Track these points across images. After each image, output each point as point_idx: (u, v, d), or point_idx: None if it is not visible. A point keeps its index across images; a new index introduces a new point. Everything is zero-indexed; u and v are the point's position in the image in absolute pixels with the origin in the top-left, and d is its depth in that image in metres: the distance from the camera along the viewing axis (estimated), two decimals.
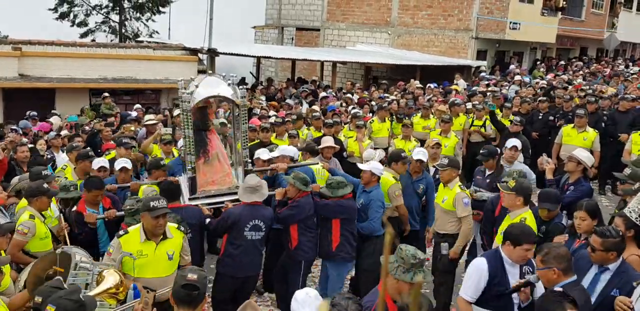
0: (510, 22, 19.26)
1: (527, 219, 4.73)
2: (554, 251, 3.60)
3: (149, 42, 17.78)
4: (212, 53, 14.31)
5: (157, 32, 24.43)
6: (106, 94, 12.08)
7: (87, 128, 9.05)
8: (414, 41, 21.17)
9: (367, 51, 20.43)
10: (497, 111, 9.58)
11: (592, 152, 8.58)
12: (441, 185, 5.94)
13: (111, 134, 8.37)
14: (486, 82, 15.23)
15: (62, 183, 5.68)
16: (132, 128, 8.88)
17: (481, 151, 6.70)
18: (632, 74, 18.32)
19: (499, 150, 7.05)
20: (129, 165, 6.04)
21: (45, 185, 5.01)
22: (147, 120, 8.89)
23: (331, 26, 23.20)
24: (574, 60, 23.38)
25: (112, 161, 6.89)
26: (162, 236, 4.38)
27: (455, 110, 9.99)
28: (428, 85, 14.71)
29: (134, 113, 10.72)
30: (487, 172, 6.64)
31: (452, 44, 20.44)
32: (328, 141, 7.40)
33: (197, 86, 5.38)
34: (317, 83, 16.81)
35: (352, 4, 22.48)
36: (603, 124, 9.78)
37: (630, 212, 4.07)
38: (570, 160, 5.98)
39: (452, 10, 20.25)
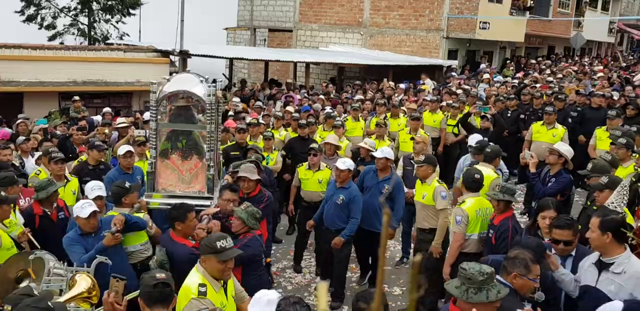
0: (480, 22, 19.55)
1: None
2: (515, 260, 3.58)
3: (119, 44, 17.57)
4: (184, 55, 14.22)
5: (127, 34, 24.12)
6: (76, 97, 11.91)
7: (58, 132, 8.91)
8: (386, 41, 21.34)
9: (340, 52, 20.52)
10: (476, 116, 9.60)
11: None
12: (418, 181, 6.01)
13: (82, 138, 8.29)
14: (457, 81, 15.42)
15: (36, 183, 5.49)
16: (106, 131, 8.79)
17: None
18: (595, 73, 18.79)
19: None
20: (104, 192, 5.25)
21: (2, 193, 4.76)
22: (118, 123, 8.81)
23: (303, 27, 23.24)
24: (541, 58, 23.84)
25: (84, 164, 6.86)
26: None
27: (432, 106, 10.15)
28: (398, 84, 14.86)
29: (98, 117, 10.60)
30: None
31: (423, 43, 20.66)
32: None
33: (168, 80, 5.34)
34: (292, 84, 16.82)
35: (324, 5, 22.56)
36: (570, 120, 10.02)
37: (615, 208, 4.18)
38: (551, 153, 6.18)
39: (423, 11, 20.47)
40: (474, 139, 6.98)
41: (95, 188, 5.18)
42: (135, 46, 15.89)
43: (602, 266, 3.67)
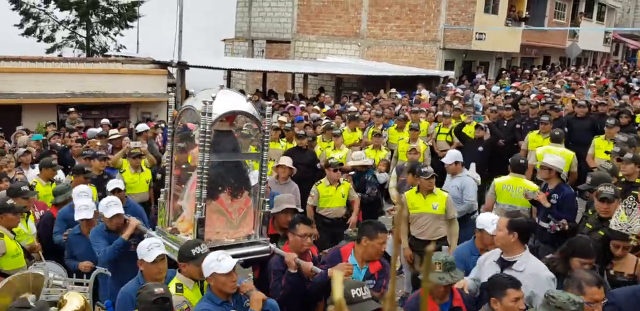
0: (476, 33, 19.73)
1: None
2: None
3: (117, 56, 17.67)
4: (182, 66, 14.30)
5: (124, 46, 24.25)
6: (71, 109, 11.95)
7: (58, 144, 8.96)
8: (383, 52, 21.49)
9: (338, 62, 20.65)
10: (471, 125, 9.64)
11: None
12: (420, 195, 5.91)
13: (81, 150, 8.31)
14: (452, 92, 15.52)
15: (55, 188, 5.78)
16: (98, 143, 8.78)
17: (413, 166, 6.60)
18: (594, 80, 18.92)
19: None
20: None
21: (10, 201, 4.91)
22: (111, 135, 8.83)
23: (301, 38, 23.40)
24: (537, 68, 24.01)
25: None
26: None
27: (415, 117, 10.26)
28: (395, 95, 14.96)
29: (98, 129, 10.65)
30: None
31: (420, 54, 20.82)
32: (283, 160, 6.81)
33: (213, 98, 3.95)
34: (293, 95, 16.89)
35: (321, 17, 22.74)
36: (566, 129, 10.08)
37: (628, 230, 4.22)
38: (542, 169, 6.01)
39: (419, 22, 20.65)
40: (451, 156, 6.77)
41: (111, 204, 4.71)
42: (133, 58, 15.99)
43: (503, 264, 3.86)
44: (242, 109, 4.30)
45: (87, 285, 4.17)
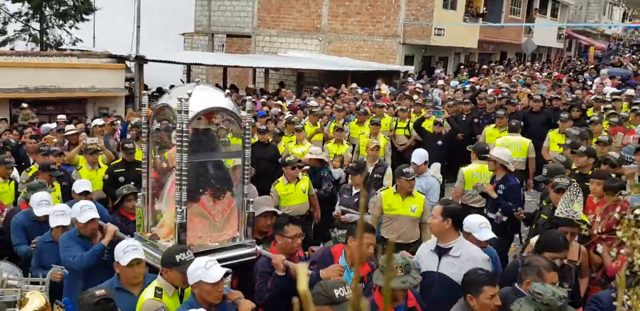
0: (435, 28, 20.01)
1: None
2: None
3: (73, 50, 17.21)
4: (140, 60, 14.05)
5: (80, 40, 23.59)
6: (24, 105, 11.58)
7: (12, 140, 8.70)
8: (344, 47, 21.57)
9: (299, 57, 20.63)
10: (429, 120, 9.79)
11: None
12: (398, 196, 5.62)
13: (35, 146, 8.08)
14: (412, 87, 15.73)
15: (28, 184, 5.58)
16: (55, 140, 8.56)
17: (350, 165, 6.40)
18: (549, 75, 19.47)
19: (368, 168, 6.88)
20: (67, 221, 4.64)
21: None
22: (67, 131, 8.61)
23: (262, 33, 23.26)
24: (494, 64, 24.53)
25: (34, 176, 6.67)
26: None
27: (379, 112, 10.35)
28: (356, 90, 15.06)
29: (52, 125, 10.37)
30: (354, 190, 6.28)
31: (381, 49, 20.99)
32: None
33: (189, 95, 3.79)
34: (254, 90, 16.80)
35: (282, 11, 22.65)
36: (522, 123, 10.36)
37: (574, 215, 4.36)
38: (489, 160, 6.19)
39: (380, 17, 20.81)
40: (415, 155, 6.58)
41: (86, 208, 4.46)
42: (90, 52, 15.59)
43: (440, 251, 4.00)
44: (221, 105, 4.07)
45: (43, 284, 4.10)
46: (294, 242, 3.98)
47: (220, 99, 4.10)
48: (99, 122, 9.47)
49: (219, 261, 3.52)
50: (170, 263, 3.49)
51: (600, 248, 2.66)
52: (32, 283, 4.07)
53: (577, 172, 6.40)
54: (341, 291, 3.02)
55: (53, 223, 4.57)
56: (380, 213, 5.72)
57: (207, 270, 3.26)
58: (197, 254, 3.66)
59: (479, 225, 4.23)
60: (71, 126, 9.19)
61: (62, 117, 10.84)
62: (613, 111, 10.35)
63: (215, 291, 3.27)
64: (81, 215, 4.38)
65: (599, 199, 5.37)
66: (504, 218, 5.83)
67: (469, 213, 4.54)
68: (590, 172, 6.19)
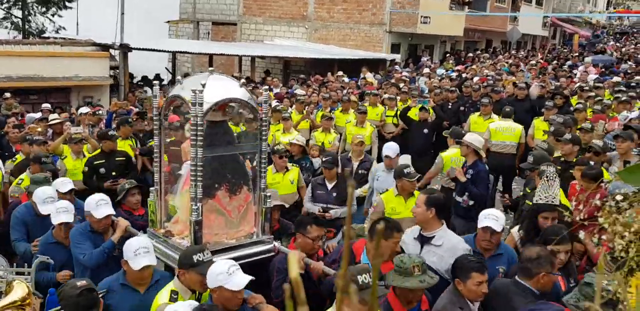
0: (421, 16, 20.00)
1: None
2: None
3: (56, 38, 16.97)
4: (125, 48, 13.91)
5: (63, 28, 23.24)
6: (7, 94, 11.42)
7: None
8: (330, 35, 21.49)
9: (285, 45, 20.53)
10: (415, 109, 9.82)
11: None
12: (401, 198, 5.35)
13: (18, 136, 8.01)
14: (399, 75, 15.75)
15: (33, 177, 5.44)
16: (39, 129, 8.48)
17: (324, 159, 6.16)
18: (535, 64, 19.58)
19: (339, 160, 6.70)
20: (70, 218, 4.44)
21: None
22: (51, 120, 8.52)
23: (248, 20, 23.08)
24: (479, 52, 24.61)
25: (20, 165, 6.61)
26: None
27: (373, 100, 10.35)
28: (342, 78, 15.05)
29: (37, 115, 10.26)
30: (329, 184, 5.99)
31: (367, 37, 20.94)
32: None
33: (203, 85, 3.57)
34: (240, 78, 16.70)
35: None
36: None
37: (553, 200, 4.42)
38: (462, 145, 6.27)
39: (366, 5, 20.73)
40: (389, 148, 6.42)
41: (102, 203, 4.25)
42: (73, 40, 15.39)
43: (423, 240, 4.06)
44: (236, 96, 3.85)
45: (28, 274, 4.09)
46: (315, 243, 3.87)
47: (235, 89, 3.89)
48: (84, 110, 9.38)
49: (237, 259, 3.44)
50: (187, 264, 3.31)
51: (582, 235, 2.72)
52: (17, 273, 4.07)
53: (562, 159, 6.49)
54: (365, 277, 3.03)
55: (56, 220, 4.34)
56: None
57: (229, 276, 3.07)
58: (213, 252, 3.55)
59: (485, 216, 4.16)
60: (55, 115, 9.11)
61: (46, 106, 10.74)
62: (600, 98, 10.48)
63: (236, 298, 3.11)
64: (97, 210, 4.20)
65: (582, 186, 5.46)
66: (471, 202, 5.92)
67: (449, 200, 4.56)
68: (574, 160, 6.28)
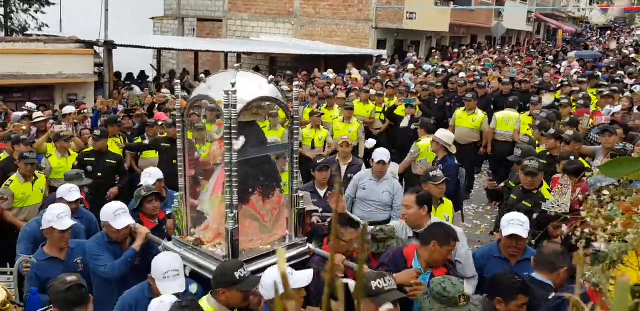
0: (407, 12, 20.04)
1: None
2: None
3: (39, 35, 16.76)
4: (109, 45, 13.78)
5: (46, 25, 22.98)
6: None
7: None
8: (317, 31, 21.46)
9: (272, 42, 20.47)
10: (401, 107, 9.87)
11: (481, 133, 9.34)
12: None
13: (1, 135, 7.92)
14: (384, 71, 15.78)
15: (66, 174, 5.43)
16: (24, 127, 8.39)
17: (319, 161, 5.76)
18: (520, 59, 19.74)
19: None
20: (78, 194, 4.60)
21: None
22: (35, 118, 8.45)
23: (234, 17, 22.96)
24: (465, 47, 24.72)
25: (9, 160, 6.54)
26: None
27: (363, 97, 10.38)
28: (327, 75, 15.06)
29: (23, 113, 10.15)
30: (321, 191, 5.54)
31: (353, 33, 20.94)
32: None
33: (233, 85, 3.30)
34: None
35: None
36: (492, 107, 10.56)
37: (551, 208, 4.39)
38: (433, 141, 6.36)
39: (352, 1, 20.72)
40: (382, 153, 5.89)
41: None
42: (57, 37, 15.21)
43: (419, 236, 3.96)
44: (267, 94, 3.62)
45: (11, 274, 4.05)
46: (349, 246, 3.68)
47: (265, 87, 3.65)
48: (69, 109, 9.30)
49: (273, 265, 3.34)
50: (228, 282, 3.08)
51: (564, 228, 2.77)
52: (0, 273, 4.03)
53: (547, 153, 6.58)
54: (379, 282, 2.89)
55: (61, 226, 4.00)
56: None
57: (115, 218, 3.76)
58: (248, 261, 3.44)
59: (509, 221, 3.95)
60: (39, 113, 9.03)
61: (31, 105, 10.62)
62: (583, 93, 10.62)
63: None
64: (116, 220, 3.97)
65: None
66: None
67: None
68: (557, 154, 6.38)
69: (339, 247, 3.64)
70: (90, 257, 4.00)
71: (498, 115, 9.28)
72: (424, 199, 4.09)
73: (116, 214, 3.98)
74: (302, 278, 3.00)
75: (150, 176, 5.16)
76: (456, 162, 6.31)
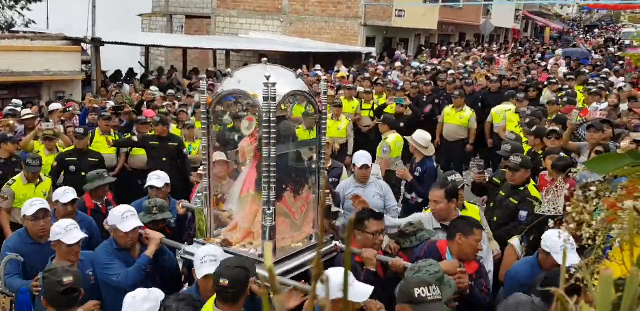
0: (396, 10, 20.08)
1: None
2: None
3: (26, 32, 16.60)
4: (97, 43, 13.69)
5: (33, 21, 22.75)
6: None
7: None
8: (305, 29, 21.43)
9: (260, 39, 20.42)
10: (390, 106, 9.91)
11: (469, 130, 9.40)
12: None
13: None
14: (373, 68, 15.82)
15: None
16: (11, 122, 8.31)
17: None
18: (508, 58, 19.85)
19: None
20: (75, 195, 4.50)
21: None
22: (23, 115, 8.38)
23: (222, 13, 22.87)
24: (453, 45, 24.82)
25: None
26: None
27: (347, 94, 10.40)
28: (316, 72, 15.07)
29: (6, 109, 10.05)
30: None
31: (342, 31, 20.94)
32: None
33: (268, 77, 3.21)
34: (215, 73, 16.59)
35: None
36: (480, 104, 10.63)
37: (545, 212, 4.36)
38: (410, 143, 6.30)
39: None
40: (363, 157, 5.53)
41: (128, 215, 3.90)
42: (43, 34, 15.07)
43: (447, 228, 3.95)
44: (299, 88, 3.56)
45: None
46: (375, 238, 3.65)
47: (295, 81, 3.60)
48: (55, 106, 9.24)
49: (305, 264, 3.33)
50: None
51: (551, 223, 2.79)
52: None
53: (533, 151, 6.66)
54: (422, 291, 2.76)
55: (70, 239, 3.70)
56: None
57: (123, 221, 3.68)
58: (279, 261, 3.35)
59: (561, 246, 3.46)
60: (28, 110, 8.95)
61: (18, 102, 10.53)
62: (570, 90, 10.73)
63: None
64: (123, 223, 3.80)
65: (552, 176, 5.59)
66: (419, 200, 5.93)
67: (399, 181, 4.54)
68: (540, 152, 6.46)
69: (364, 240, 3.63)
70: (100, 267, 3.82)
71: (494, 109, 9.55)
72: (452, 192, 4.12)
73: (124, 217, 3.83)
74: (362, 292, 2.85)
75: (159, 178, 4.95)
76: (435, 164, 6.37)
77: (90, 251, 4.04)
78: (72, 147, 7.02)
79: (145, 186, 5.05)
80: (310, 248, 3.67)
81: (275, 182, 3.32)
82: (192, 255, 3.53)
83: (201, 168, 4.09)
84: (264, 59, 3.64)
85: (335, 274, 2.75)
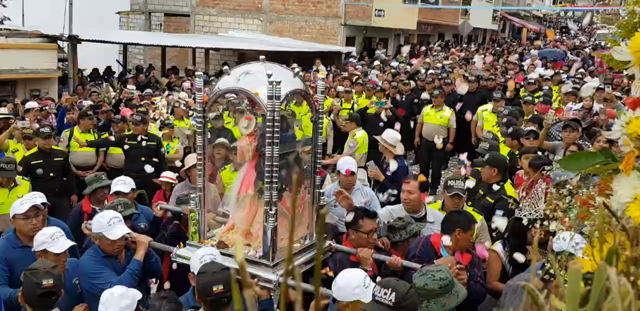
0: (375, 9, 20.17)
1: None
2: None
3: (0, 29, 16.29)
4: (74, 40, 13.50)
5: (8, 18, 22.34)
6: None
7: None
8: (285, 28, 21.40)
9: (240, 37, 20.34)
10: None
11: (448, 129, 9.49)
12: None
13: None
14: (352, 67, 15.87)
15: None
16: None
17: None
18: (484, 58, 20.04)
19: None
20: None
21: None
22: None
23: (201, 12, 22.72)
24: (432, 45, 25.00)
25: None
26: None
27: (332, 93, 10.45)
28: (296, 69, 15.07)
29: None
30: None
31: (322, 30, 20.96)
32: (190, 159, 5.35)
33: (269, 75, 3.21)
34: (194, 71, 16.48)
35: None
36: (459, 104, 10.72)
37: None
38: (380, 142, 6.23)
39: None
40: (348, 163, 5.25)
41: (115, 221, 3.71)
42: (19, 31, 14.80)
43: (418, 221, 4.21)
44: (299, 87, 3.54)
45: None
46: (370, 237, 3.69)
47: (293, 79, 3.55)
48: (32, 105, 9.10)
49: (307, 263, 3.38)
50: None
51: (525, 220, 2.85)
52: None
53: (511, 151, 6.75)
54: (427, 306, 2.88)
55: (57, 248, 3.55)
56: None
57: (110, 228, 3.54)
58: (277, 264, 3.30)
59: (574, 246, 3.54)
60: (2, 109, 8.81)
61: None
62: (546, 90, 10.88)
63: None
64: (110, 231, 3.63)
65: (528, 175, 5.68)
66: (392, 199, 5.98)
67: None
68: (517, 152, 6.55)
69: (359, 239, 3.70)
70: (88, 277, 3.62)
71: (481, 108, 9.68)
72: (424, 185, 4.29)
73: (110, 224, 3.64)
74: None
75: (125, 184, 4.79)
76: (405, 163, 6.40)
77: (72, 258, 3.86)
78: (35, 149, 6.72)
79: (111, 192, 4.83)
80: (306, 249, 3.64)
81: (277, 182, 3.29)
82: (185, 258, 3.45)
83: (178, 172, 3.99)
84: (262, 57, 3.59)
85: (353, 277, 2.87)
